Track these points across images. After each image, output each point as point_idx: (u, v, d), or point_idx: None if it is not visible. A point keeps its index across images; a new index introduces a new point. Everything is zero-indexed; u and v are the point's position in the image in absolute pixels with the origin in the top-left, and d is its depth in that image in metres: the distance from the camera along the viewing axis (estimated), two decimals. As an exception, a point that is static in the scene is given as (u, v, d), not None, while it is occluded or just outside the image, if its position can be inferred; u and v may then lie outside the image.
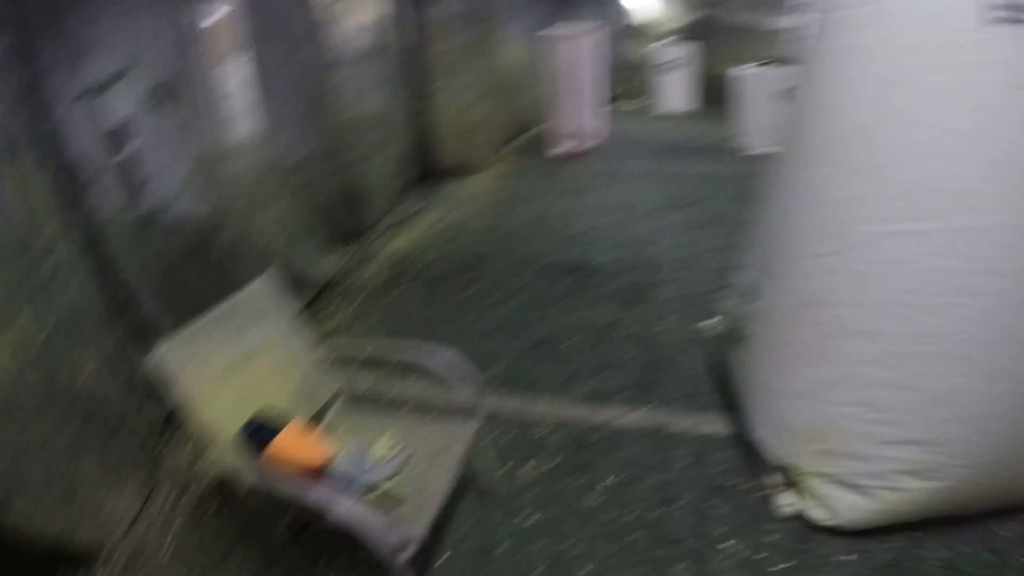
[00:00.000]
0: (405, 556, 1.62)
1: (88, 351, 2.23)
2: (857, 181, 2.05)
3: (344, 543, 1.92)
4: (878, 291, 2.05)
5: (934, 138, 1.91)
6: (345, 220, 4.65)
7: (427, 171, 6.55)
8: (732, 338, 2.94)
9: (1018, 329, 1.95)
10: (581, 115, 8.28)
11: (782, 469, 2.37)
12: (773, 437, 2.42)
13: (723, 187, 6.81)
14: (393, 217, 5.59)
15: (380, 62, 5.33)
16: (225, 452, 1.83)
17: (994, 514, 2.26)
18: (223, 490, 2.44)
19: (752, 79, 8.50)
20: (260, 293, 2.25)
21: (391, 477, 1.85)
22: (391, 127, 5.57)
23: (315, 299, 4.02)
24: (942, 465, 2.09)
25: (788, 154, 2.45)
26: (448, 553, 2.17)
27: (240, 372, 2.02)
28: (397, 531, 1.64)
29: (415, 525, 1.74)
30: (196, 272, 3.02)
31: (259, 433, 1.81)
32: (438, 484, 1.91)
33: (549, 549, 2.16)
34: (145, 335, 2.65)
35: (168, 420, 2.71)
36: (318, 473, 1.79)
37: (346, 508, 1.60)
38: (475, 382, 2.19)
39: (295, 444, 1.81)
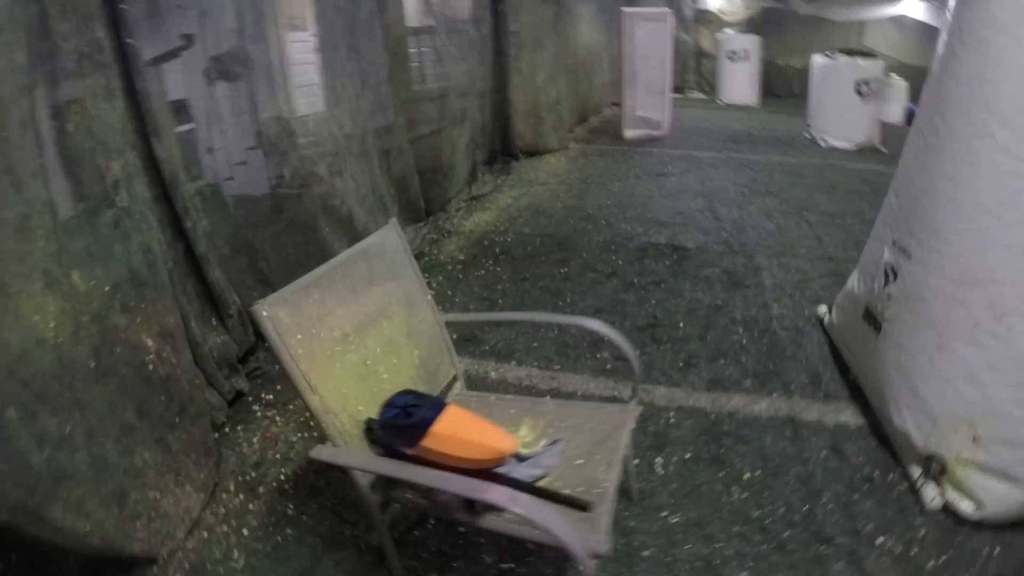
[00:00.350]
0: (596, 565, 1.31)
1: (149, 323, 1.92)
2: None
3: (454, 552, 1.95)
4: None
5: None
6: (423, 193, 4.60)
7: (503, 148, 6.49)
8: (857, 323, 2.85)
9: None
10: (653, 100, 8.17)
11: (927, 459, 2.26)
12: (918, 425, 2.31)
13: (803, 177, 6.68)
14: (469, 193, 5.55)
15: (461, 34, 5.27)
16: (343, 436, 1.52)
17: None
18: (306, 488, 2.22)
19: (827, 70, 8.34)
20: (379, 249, 1.89)
21: (547, 473, 1.61)
22: (470, 101, 5.50)
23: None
24: None
25: (943, 126, 2.34)
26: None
27: (357, 341, 1.69)
28: (596, 537, 1.38)
29: (593, 527, 1.43)
30: (270, 243, 2.89)
31: (405, 417, 1.53)
32: (605, 479, 1.59)
33: (698, 551, 1.99)
34: (212, 309, 2.61)
35: (235, 404, 2.60)
36: (485, 470, 1.50)
37: (540, 511, 1.23)
38: (634, 357, 1.96)
39: (462, 432, 1.50)
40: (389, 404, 1.58)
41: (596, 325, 1.97)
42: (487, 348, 3.14)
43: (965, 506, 2.16)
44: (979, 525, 2.12)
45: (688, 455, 2.44)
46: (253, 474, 2.27)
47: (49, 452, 1.47)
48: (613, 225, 4.97)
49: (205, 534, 2.01)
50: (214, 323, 2.60)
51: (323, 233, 3.12)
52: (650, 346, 3.22)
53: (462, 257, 4.42)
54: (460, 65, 5.21)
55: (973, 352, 2.15)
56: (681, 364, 3.07)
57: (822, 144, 8.36)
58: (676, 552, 2.00)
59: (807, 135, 8.81)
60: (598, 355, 3.10)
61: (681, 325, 3.42)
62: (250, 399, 2.67)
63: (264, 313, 1.45)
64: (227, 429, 2.49)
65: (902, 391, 2.41)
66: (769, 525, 2.13)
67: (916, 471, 2.31)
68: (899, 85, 9.30)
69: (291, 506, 2.14)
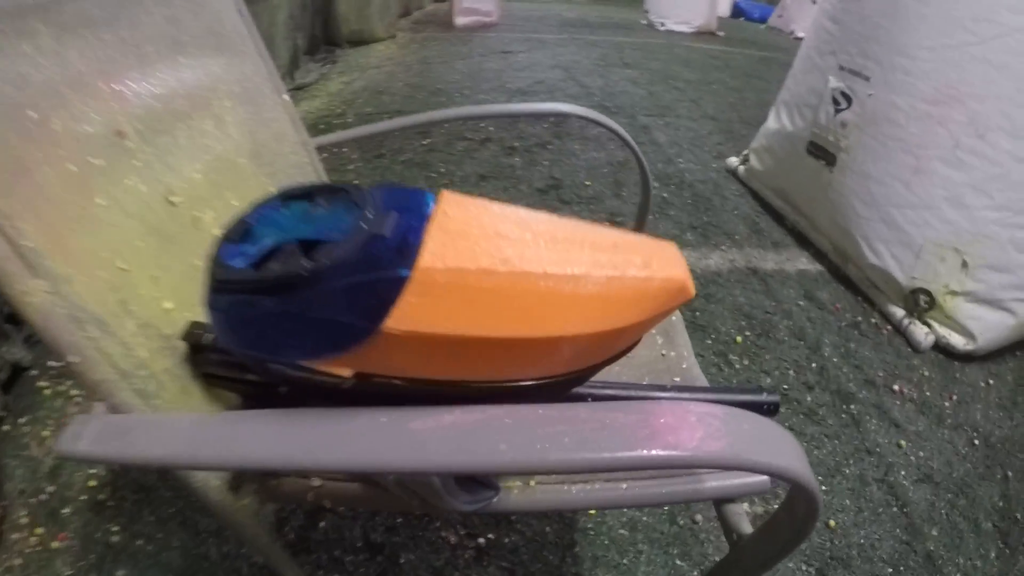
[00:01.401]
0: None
1: None
2: None
3: (399, 541, 1.26)
4: (1020, 83, 1.82)
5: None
6: None
7: (325, 36, 5.55)
8: (798, 161, 2.54)
9: None
10: None
11: (911, 294, 2.03)
12: (897, 259, 2.09)
13: (654, 53, 6.50)
14: (292, 82, 4.64)
15: None
16: (135, 379, 0.62)
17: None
18: (135, 492, 1.34)
19: None
20: None
21: None
22: None
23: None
24: None
25: None
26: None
27: (145, 154, 0.77)
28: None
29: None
30: None
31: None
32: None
33: None
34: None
35: (14, 385, 1.62)
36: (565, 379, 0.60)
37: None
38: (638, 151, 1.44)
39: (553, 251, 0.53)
40: (241, 235, 0.55)
41: (585, 111, 1.30)
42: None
43: (956, 339, 1.99)
44: (969, 357, 1.98)
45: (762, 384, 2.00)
46: (51, 488, 1.35)
47: None
48: (470, 97, 4.36)
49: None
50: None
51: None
52: (561, 208, 2.73)
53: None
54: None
55: (955, 173, 1.95)
56: (607, 224, 2.59)
57: (660, 28, 8.36)
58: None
59: (644, 21, 8.79)
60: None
61: (588, 183, 3.00)
62: (35, 372, 1.64)
63: None
64: (6, 426, 1.51)
65: (874, 225, 2.15)
66: (789, 389, 1.80)
67: (899, 310, 2.08)
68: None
69: (116, 528, 1.27)
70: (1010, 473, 1.61)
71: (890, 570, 1.32)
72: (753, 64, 6.47)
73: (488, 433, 0.48)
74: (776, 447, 0.49)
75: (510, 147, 3.39)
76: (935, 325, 2.02)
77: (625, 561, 1.26)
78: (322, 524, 1.28)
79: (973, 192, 1.92)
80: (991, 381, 1.93)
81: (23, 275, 0.54)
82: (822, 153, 2.41)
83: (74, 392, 1.56)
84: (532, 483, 0.74)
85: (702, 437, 0.46)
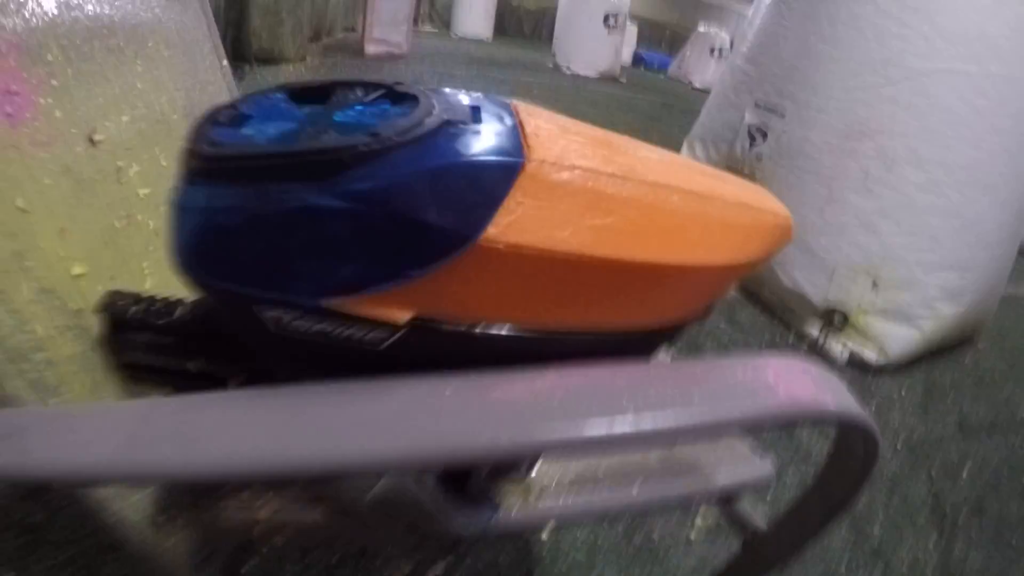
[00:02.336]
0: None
1: None
2: (911, 19, 2.02)
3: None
4: (927, 122, 2.03)
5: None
6: None
7: (234, 51, 5.41)
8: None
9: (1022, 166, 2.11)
10: (394, 26, 7.68)
11: (826, 314, 2.16)
12: (812, 282, 2.23)
13: (561, 93, 6.81)
14: None
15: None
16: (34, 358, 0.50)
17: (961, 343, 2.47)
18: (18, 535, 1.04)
19: (572, 3, 8.70)
20: None
21: None
22: None
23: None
24: (966, 288, 2.14)
25: None
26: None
27: (56, 76, 0.63)
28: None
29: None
30: None
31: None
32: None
33: None
34: None
35: None
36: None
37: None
38: None
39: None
40: (232, 119, 0.41)
41: None
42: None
43: (869, 354, 2.14)
44: (881, 370, 2.14)
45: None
46: None
47: None
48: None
49: None
50: None
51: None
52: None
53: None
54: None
55: (866, 201, 2.12)
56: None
57: (567, 71, 8.68)
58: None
59: (551, 64, 9.09)
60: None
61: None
62: None
63: None
64: None
65: (788, 251, 2.26)
66: None
67: (814, 330, 2.20)
68: (630, 29, 10.01)
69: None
70: (933, 471, 1.74)
71: (845, 566, 1.37)
72: (656, 109, 6.81)
73: (605, 397, 0.38)
74: (844, 396, 0.46)
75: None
76: (850, 342, 2.15)
77: None
78: (244, 569, 1.03)
79: (882, 219, 2.09)
80: (903, 391, 2.09)
81: None
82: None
83: None
84: (533, 496, 0.63)
85: (814, 391, 0.43)
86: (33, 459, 0.34)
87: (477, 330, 0.39)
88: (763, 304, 2.43)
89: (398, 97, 0.42)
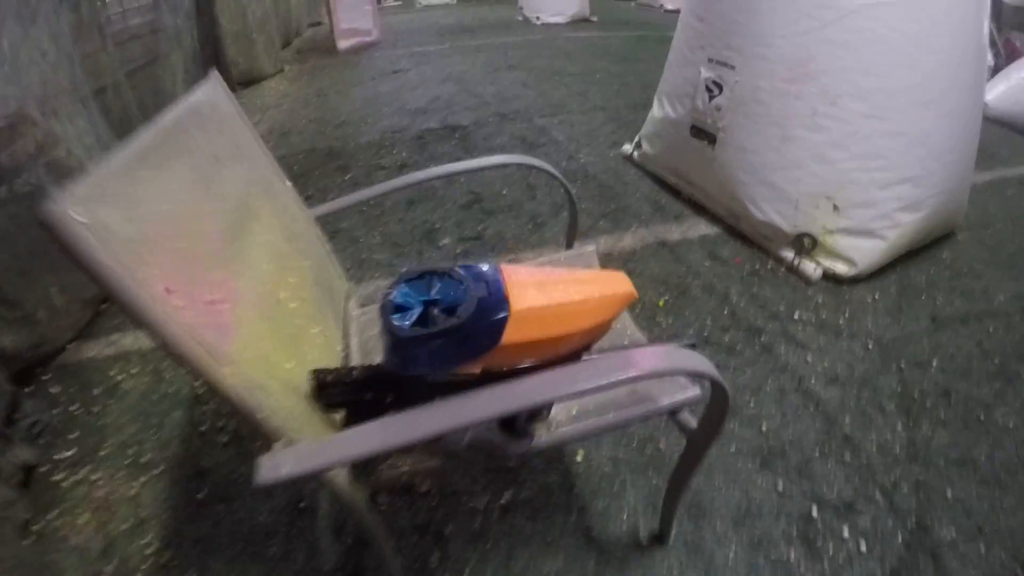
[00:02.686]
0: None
1: None
2: None
3: (439, 518, 1.52)
4: (860, 55, 2.22)
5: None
6: None
7: (217, 81, 5.59)
8: (684, 143, 2.89)
9: (964, 78, 2.31)
10: (359, 11, 7.77)
11: (797, 239, 2.41)
12: (780, 212, 2.48)
13: (536, 50, 6.85)
14: None
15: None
16: (289, 419, 0.85)
17: (940, 239, 2.72)
18: (193, 545, 1.50)
19: None
20: (211, 110, 1.16)
21: None
22: (182, 21, 4.57)
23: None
24: (924, 197, 2.36)
25: None
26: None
27: (237, 256, 1.00)
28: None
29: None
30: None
31: (455, 316, 0.86)
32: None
33: None
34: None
35: (27, 487, 1.67)
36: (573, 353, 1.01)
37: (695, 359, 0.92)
38: (571, 191, 1.84)
39: (555, 292, 0.92)
40: (392, 314, 0.87)
41: (526, 159, 1.70)
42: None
43: (840, 267, 2.41)
44: (854, 280, 2.41)
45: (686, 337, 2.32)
46: (109, 568, 1.46)
47: None
48: (374, 124, 4.53)
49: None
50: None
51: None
52: (487, 219, 2.99)
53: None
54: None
55: (816, 135, 2.35)
56: (531, 226, 2.90)
57: (536, 23, 8.73)
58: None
59: (519, 18, 9.14)
60: (440, 243, 2.75)
61: (504, 192, 3.27)
62: (44, 469, 1.72)
63: (80, 219, 0.65)
64: (37, 526, 1.57)
65: (756, 188, 2.52)
66: (710, 335, 2.15)
67: (789, 253, 2.44)
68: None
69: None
70: (903, 364, 2.01)
71: (817, 453, 1.68)
72: (630, 46, 6.91)
73: (554, 381, 0.81)
74: (693, 361, 0.88)
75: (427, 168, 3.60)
76: (821, 260, 2.43)
77: (615, 488, 1.58)
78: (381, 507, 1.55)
79: (833, 148, 2.32)
80: (877, 295, 2.35)
81: (216, 365, 0.76)
82: (703, 134, 2.78)
83: (93, 477, 1.67)
84: (553, 428, 1.09)
85: (654, 362, 0.83)
86: (333, 457, 0.77)
87: (504, 369, 0.89)
88: (742, 238, 2.70)
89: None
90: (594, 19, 8.73)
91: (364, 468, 1.00)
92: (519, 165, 1.68)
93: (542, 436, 1.06)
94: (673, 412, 1.14)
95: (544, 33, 7.97)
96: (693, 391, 1.13)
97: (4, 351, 1.86)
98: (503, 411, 0.80)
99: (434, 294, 0.87)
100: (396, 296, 0.87)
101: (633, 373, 0.81)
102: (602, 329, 0.98)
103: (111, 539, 1.51)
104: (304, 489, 1.59)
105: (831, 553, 1.43)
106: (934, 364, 2.01)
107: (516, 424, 1.03)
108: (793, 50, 2.33)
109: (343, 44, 7.63)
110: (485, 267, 0.91)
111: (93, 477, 1.68)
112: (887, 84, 2.21)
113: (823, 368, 1.97)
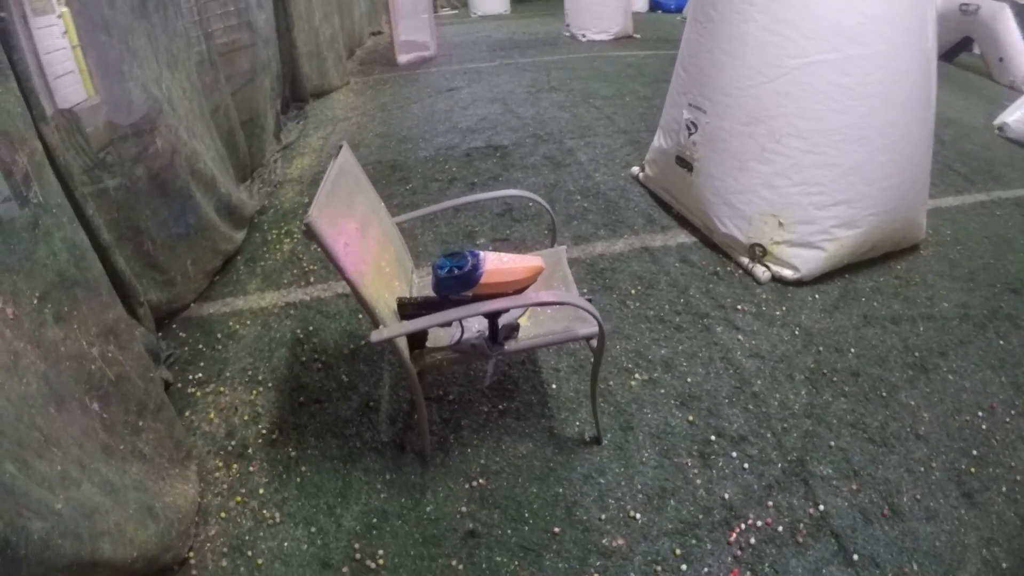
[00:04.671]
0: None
1: (87, 325, 1.67)
2: (783, 29, 2.77)
3: (457, 415, 2.26)
4: (800, 104, 2.80)
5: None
6: (247, 147, 4.45)
7: (293, 94, 6.37)
8: (672, 169, 3.53)
9: (894, 118, 2.84)
10: (416, 23, 8.33)
11: (751, 248, 3.02)
12: (738, 227, 3.10)
13: (577, 70, 7.41)
14: (279, 143, 5.40)
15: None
16: (386, 318, 1.77)
17: (890, 254, 3.23)
18: (293, 429, 2.23)
19: None
20: (348, 167, 2.08)
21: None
22: (271, 48, 5.32)
23: (250, 230, 3.77)
24: (859, 216, 2.93)
25: (716, 15, 3.08)
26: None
27: (364, 242, 1.92)
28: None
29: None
30: (152, 222, 2.69)
31: (459, 269, 1.73)
32: (568, 291, 2.14)
33: (624, 346, 2.61)
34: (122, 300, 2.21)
35: (169, 387, 2.43)
36: (517, 292, 1.82)
37: (575, 297, 1.79)
38: (552, 212, 2.48)
39: (503, 264, 1.77)
40: (437, 267, 1.75)
41: (523, 193, 2.50)
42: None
43: (786, 272, 3.02)
44: (799, 283, 3.00)
45: (585, 289, 3.01)
46: (232, 444, 2.18)
47: (63, 493, 1.31)
48: (431, 140, 5.21)
49: (222, 515, 1.93)
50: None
51: (196, 199, 3.00)
52: (514, 225, 3.67)
53: (307, 200, 4.37)
54: (260, 13, 5.03)
55: (765, 167, 2.96)
56: (546, 232, 3.56)
57: (582, 39, 9.15)
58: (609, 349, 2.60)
59: (567, 34, 9.56)
60: (477, 242, 3.47)
61: (530, 204, 3.89)
62: (179, 385, 2.48)
63: (318, 223, 1.59)
64: (181, 405, 2.37)
65: (720, 207, 3.15)
66: (664, 316, 2.81)
67: (745, 260, 3.06)
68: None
69: (290, 450, 2.14)
70: (822, 348, 2.58)
71: (727, 402, 2.32)
72: (665, 67, 7.41)
73: (503, 301, 1.71)
74: (578, 301, 1.69)
75: (471, 183, 4.33)
76: (771, 265, 3.03)
77: (573, 407, 2.27)
78: (415, 416, 2.20)
79: (778, 177, 2.93)
80: (817, 296, 2.91)
81: (365, 287, 1.70)
82: (684, 163, 3.43)
83: (220, 389, 2.45)
84: (520, 338, 1.88)
85: (550, 296, 1.73)
86: (405, 328, 1.74)
87: (482, 295, 1.71)
88: (711, 246, 3.33)
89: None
90: (637, 36, 9.12)
91: (418, 350, 1.86)
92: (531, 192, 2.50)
93: (512, 346, 1.85)
94: (588, 339, 1.86)
95: (587, 51, 8.47)
96: (594, 326, 1.80)
97: (151, 302, 2.63)
98: (481, 312, 1.67)
99: (455, 261, 1.72)
100: (439, 262, 1.75)
101: (534, 300, 1.72)
102: (528, 282, 1.79)
103: (233, 427, 2.26)
104: (372, 393, 2.38)
105: (720, 465, 2.05)
106: (852, 351, 2.52)
107: (497, 336, 1.82)
108: (748, 100, 2.94)
109: (403, 58, 8.21)
110: (478, 252, 1.74)
111: (220, 389, 2.46)
112: (822, 126, 2.78)
113: (750, 346, 2.59)
